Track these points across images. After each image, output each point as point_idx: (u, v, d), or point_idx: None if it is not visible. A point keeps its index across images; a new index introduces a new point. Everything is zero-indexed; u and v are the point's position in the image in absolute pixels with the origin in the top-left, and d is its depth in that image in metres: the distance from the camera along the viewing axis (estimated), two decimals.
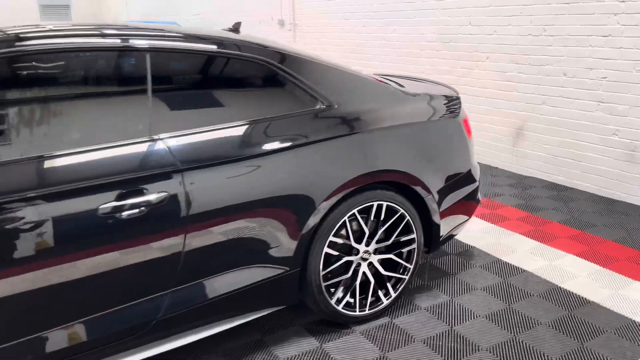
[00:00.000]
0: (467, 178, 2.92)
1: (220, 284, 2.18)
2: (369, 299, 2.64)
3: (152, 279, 1.99)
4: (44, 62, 1.87)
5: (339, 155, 2.38)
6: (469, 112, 5.79)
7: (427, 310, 2.80)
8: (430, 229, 2.78)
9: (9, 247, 1.71)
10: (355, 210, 2.46)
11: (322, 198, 2.31)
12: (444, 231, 2.85)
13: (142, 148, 1.97)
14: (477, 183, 3.02)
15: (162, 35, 2.16)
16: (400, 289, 2.74)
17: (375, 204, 2.52)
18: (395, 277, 2.72)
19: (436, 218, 2.75)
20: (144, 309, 2.00)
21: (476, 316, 2.77)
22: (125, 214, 1.88)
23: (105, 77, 2.00)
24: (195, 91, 2.19)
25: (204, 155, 2.06)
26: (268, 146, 2.22)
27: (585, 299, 2.93)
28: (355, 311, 2.61)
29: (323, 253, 2.41)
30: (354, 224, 2.53)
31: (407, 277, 2.75)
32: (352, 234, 2.53)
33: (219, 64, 2.25)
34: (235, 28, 2.79)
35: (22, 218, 1.72)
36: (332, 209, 2.39)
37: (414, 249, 2.72)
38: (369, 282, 2.62)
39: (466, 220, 3.04)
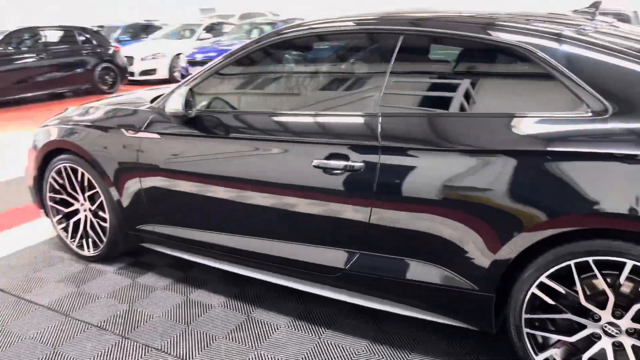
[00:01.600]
0: None
1: (399, 267, 2.14)
2: None
3: (342, 234, 2.22)
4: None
5: (572, 181, 1.77)
6: None
7: None
8: None
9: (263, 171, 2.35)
10: (589, 260, 1.77)
11: (526, 226, 1.81)
12: None
13: (362, 120, 2.18)
14: None
15: (415, 19, 2.25)
16: None
17: (631, 263, 1.73)
18: None
19: None
20: (334, 256, 2.26)
21: None
22: (334, 171, 2.15)
23: (359, 56, 2.52)
24: (433, 76, 2.29)
25: (411, 138, 2.05)
26: (483, 145, 1.91)
27: None
28: None
29: (529, 292, 1.85)
30: (595, 280, 1.83)
31: None
32: (590, 293, 1.85)
33: (465, 48, 2.20)
34: (594, 8, 2.37)
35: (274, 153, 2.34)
36: (550, 244, 1.83)
37: None
38: None
39: None
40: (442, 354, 2.26)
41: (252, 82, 2.79)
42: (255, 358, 2.25)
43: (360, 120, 2.19)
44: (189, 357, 2.28)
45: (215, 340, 2.41)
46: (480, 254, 1.96)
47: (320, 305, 2.63)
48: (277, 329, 2.48)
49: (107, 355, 2.33)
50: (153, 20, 17.52)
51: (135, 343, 2.42)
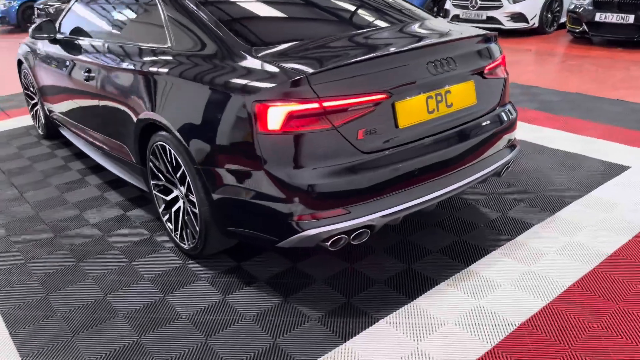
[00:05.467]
0: (254, 184, 2.18)
1: (107, 144, 3.32)
2: (178, 231, 2.77)
3: (96, 117, 3.36)
4: None
5: (154, 91, 2.63)
6: None
7: (207, 280, 2.64)
8: None
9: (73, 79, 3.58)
10: (158, 144, 2.65)
11: (136, 120, 2.77)
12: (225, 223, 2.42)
13: (102, 48, 3.24)
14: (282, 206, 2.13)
15: None
16: (194, 243, 2.65)
17: (168, 148, 2.56)
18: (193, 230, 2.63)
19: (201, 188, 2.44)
20: (98, 134, 3.46)
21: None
22: (89, 79, 3.27)
23: (120, 9, 3.31)
24: (121, 17, 3.23)
25: (105, 59, 3.13)
26: (128, 66, 2.87)
27: None
28: (171, 230, 2.88)
29: (148, 164, 2.83)
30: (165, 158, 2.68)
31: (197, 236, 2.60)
32: (166, 167, 2.70)
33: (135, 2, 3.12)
34: None
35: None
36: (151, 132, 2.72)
37: (197, 214, 2.51)
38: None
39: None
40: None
41: (80, 19, 3.84)
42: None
43: (102, 48, 3.23)
44: None
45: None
46: (127, 137, 2.94)
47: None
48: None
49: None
50: None
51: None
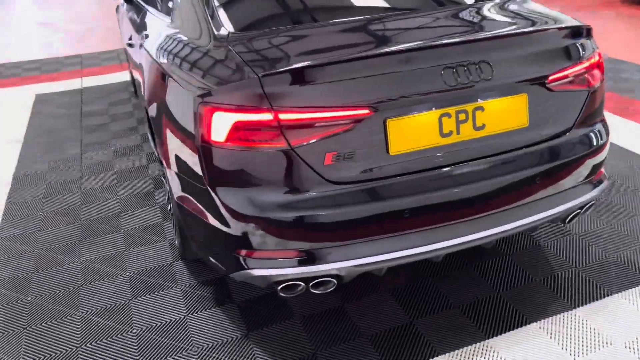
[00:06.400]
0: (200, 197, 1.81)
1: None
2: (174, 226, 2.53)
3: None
4: None
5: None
6: None
7: None
8: None
9: None
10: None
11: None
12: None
13: (142, 20, 2.91)
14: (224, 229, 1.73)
15: None
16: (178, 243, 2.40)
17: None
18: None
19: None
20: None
21: None
22: (131, 45, 3.08)
23: None
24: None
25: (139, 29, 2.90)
26: (144, 37, 2.67)
27: None
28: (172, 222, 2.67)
29: (156, 148, 2.63)
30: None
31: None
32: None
33: None
34: None
35: None
36: None
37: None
38: None
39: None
40: None
41: None
42: None
43: (140, 15, 3.01)
44: None
45: None
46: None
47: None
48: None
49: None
50: None
51: None
